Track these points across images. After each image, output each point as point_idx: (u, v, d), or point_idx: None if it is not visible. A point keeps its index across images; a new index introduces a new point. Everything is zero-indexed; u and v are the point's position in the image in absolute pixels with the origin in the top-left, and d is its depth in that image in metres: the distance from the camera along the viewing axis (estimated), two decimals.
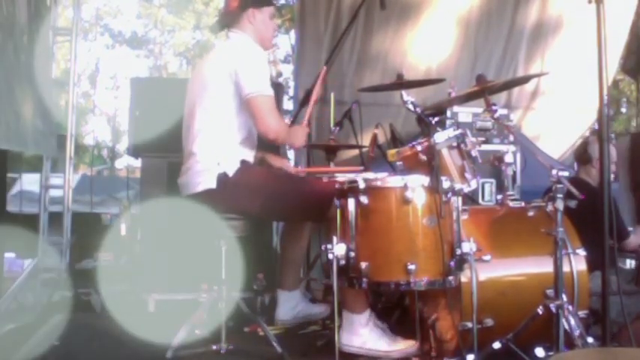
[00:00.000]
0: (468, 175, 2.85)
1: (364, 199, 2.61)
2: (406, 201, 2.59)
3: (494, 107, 2.89)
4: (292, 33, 12.66)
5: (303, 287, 3.76)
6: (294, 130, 3.31)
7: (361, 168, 3.90)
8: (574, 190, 2.58)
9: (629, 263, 3.79)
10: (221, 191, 3.02)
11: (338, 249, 2.57)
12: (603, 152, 2.45)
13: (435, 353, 2.85)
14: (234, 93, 3.05)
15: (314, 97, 3.62)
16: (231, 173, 3.04)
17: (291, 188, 3.15)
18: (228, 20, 3.31)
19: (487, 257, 2.71)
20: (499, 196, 3.25)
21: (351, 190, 2.64)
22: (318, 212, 3.04)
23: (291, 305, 3.42)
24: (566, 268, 2.68)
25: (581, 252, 2.82)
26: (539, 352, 2.54)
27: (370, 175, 2.82)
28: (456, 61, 5.55)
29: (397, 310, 3.51)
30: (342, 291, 2.83)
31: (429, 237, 2.59)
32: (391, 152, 3.05)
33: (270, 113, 3.03)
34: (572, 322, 2.54)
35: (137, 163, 4.66)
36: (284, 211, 3.19)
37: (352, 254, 2.59)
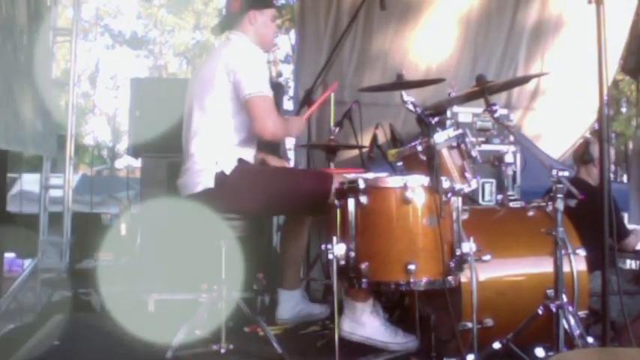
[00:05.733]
0: (467, 175, 2.85)
1: (364, 199, 2.61)
2: (406, 201, 2.59)
3: (494, 107, 2.89)
4: (292, 33, 12.67)
5: (302, 288, 3.76)
6: (291, 121, 3.31)
7: (362, 170, 3.90)
8: (574, 190, 2.58)
9: (629, 263, 3.80)
10: (219, 190, 3.03)
11: (338, 249, 2.57)
12: (603, 152, 2.45)
13: (434, 353, 2.84)
14: (233, 94, 3.05)
15: (317, 104, 3.65)
16: (228, 172, 3.04)
17: (288, 182, 3.16)
18: (229, 22, 3.31)
19: (487, 257, 2.70)
20: (499, 196, 3.25)
21: (351, 190, 2.64)
22: (317, 205, 3.06)
23: (291, 304, 3.42)
24: (566, 268, 2.68)
25: (581, 252, 2.82)
26: (539, 352, 2.54)
27: (370, 175, 2.82)
28: (456, 61, 5.55)
29: (397, 310, 3.51)
30: None
31: (428, 237, 2.59)
32: (391, 152, 3.05)
33: (268, 114, 3.03)
34: (572, 322, 2.53)
35: (137, 163, 4.65)
36: (283, 206, 3.20)
37: (352, 254, 2.59)
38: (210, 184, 3.03)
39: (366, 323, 2.98)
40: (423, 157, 2.77)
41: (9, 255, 4.89)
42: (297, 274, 3.55)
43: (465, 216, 2.84)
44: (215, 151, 3.07)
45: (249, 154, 3.20)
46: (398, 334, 3.02)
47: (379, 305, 3.08)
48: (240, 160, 3.10)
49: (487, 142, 3.95)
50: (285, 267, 3.47)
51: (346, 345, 2.90)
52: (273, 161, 3.44)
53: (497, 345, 2.64)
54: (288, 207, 3.21)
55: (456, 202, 2.66)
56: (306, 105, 4.48)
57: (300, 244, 3.51)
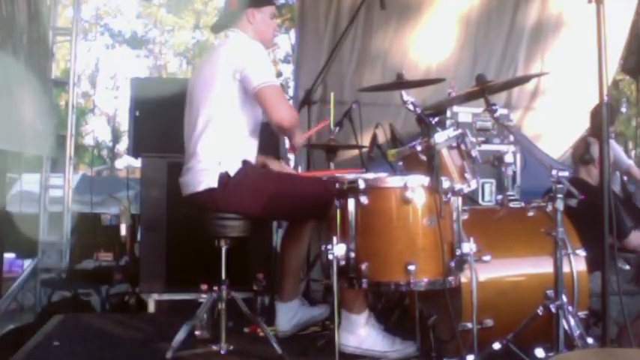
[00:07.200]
0: (467, 175, 2.85)
1: (364, 200, 2.60)
2: (406, 201, 2.59)
3: (494, 107, 2.89)
4: (292, 33, 12.67)
5: (301, 291, 3.75)
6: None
7: (362, 170, 3.90)
8: (574, 190, 2.58)
9: (625, 264, 3.80)
10: (222, 191, 3.02)
11: (338, 249, 2.57)
12: (603, 152, 2.45)
13: (434, 353, 2.84)
14: (239, 91, 3.04)
15: (312, 131, 3.67)
16: (232, 173, 3.04)
17: (291, 188, 3.15)
18: (228, 20, 3.30)
19: (487, 257, 2.70)
20: (499, 196, 3.25)
21: (351, 190, 2.64)
22: (319, 211, 3.05)
23: (289, 316, 3.38)
24: (566, 269, 2.67)
25: (581, 252, 2.82)
26: (539, 352, 2.53)
27: (370, 175, 2.81)
28: (456, 61, 5.55)
29: (397, 310, 3.51)
30: (342, 291, 2.83)
31: (428, 237, 2.58)
32: (391, 152, 3.05)
33: (282, 102, 3.05)
34: (572, 322, 2.53)
35: (137, 163, 4.65)
36: (285, 210, 3.19)
37: (352, 254, 2.58)
38: (214, 183, 3.02)
39: (362, 335, 2.97)
40: (423, 157, 2.77)
41: (9, 255, 4.89)
42: (296, 284, 3.50)
43: (465, 216, 2.84)
44: (218, 151, 3.07)
45: (252, 154, 3.19)
46: (395, 342, 3.00)
47: (373, 316, 3.06)
48: (245, 162, 3.09)
49: (487, 142, 3.94)
50: (284, 278, 3.42)
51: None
52: (273, 164, 3.43)
53: (497, 345, 2.64)
54: (290, 211, 3.20)
55: (456, 202, 2.66)
56: (305, 105, 4.49)
57: (300, 253, 3.46)
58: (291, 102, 6.58)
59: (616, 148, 5.44)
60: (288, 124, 3.06)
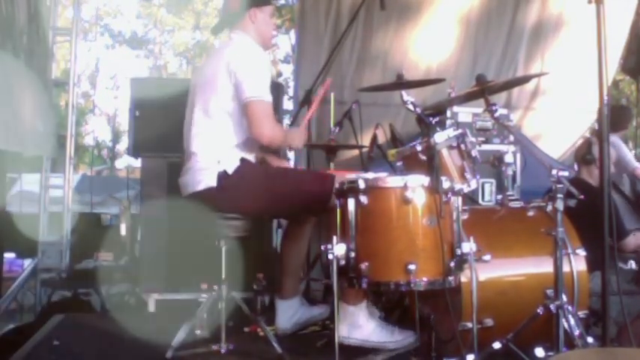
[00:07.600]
0: (467, 175, 2.85)
1: (364, 199, 2.61)
2: (406, 201, 2.59)
3: (494, 107, 2.89)
4: (292, 33, 12.68)
5: (302, 291, 3.75)
6: (292, 132, 3.30)
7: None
8: (574, 190, 2.58)
9: (630, 263, 3.80)
10: (221, 189, 3.02)
11: (338, 249, 2.57)
12: (603, 152, 2.45)
13: (435, 353, 2.84)
14: (234, 95, 3.04)
15: (315, 104, 3.61)
16: (231, 171, 3.04)
17: (290, 183, 3.15)
18: (230, 21, 3.31)
19: (487, 257, 2.71)
20: (499, 196, 3.25)
21: (351, 190, 2.64)
22: (318, 207, 3.05)
23: (289, 314, 3.40)
24: (566, 268, 2.68)
25: (581, 252, 2.82)
26: (539, 352, 2.54)
27: (370, 175, 2.82)
28: (456, 61, 5.55)
29: (397, 310, 3.51)
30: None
31: (429, 237, 2.59)
32: (391, 152, 3.05)
33: (266, 120, 3.02)
34: (572, 322, 2.54)
35: (137, 163, 4.65)
36: (284, 206, 3.19)
37: (352, 254, 2.59)
38: (212, 182, 3.02)
39: (362, 326, 3.00)
40: (423, 157, 2.77)
41: (9, 255, 4.88)
42: (296, 282, 3.52)
43: (465, 216, 2.84)
44: (217, 150, 3.07)
45: (251, 153, 3.19)
46: (395, 333, 3.04)
47: (373, 306, 3.07)
48: (243, 160, 3.09)
49: (487, 142, 3.95)
50: (284, 275, 3.43)
51: (346, 345, 2.91)
52: (273, 161, 3.44)
53: (497, 345, 2.64)
54: (289, 207, 3.20)
55: (456, 202, 2.66)
56: (306, 105, 4.49)
57: (300, 252, 3.47)
58: (290, 102, 6.60)
59: (623, 150, 5.45)
60: (267, 141, 3.06)
